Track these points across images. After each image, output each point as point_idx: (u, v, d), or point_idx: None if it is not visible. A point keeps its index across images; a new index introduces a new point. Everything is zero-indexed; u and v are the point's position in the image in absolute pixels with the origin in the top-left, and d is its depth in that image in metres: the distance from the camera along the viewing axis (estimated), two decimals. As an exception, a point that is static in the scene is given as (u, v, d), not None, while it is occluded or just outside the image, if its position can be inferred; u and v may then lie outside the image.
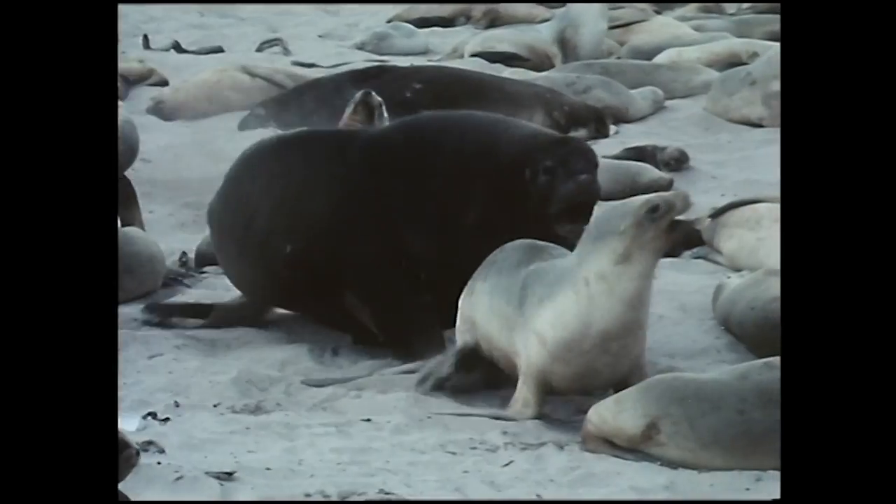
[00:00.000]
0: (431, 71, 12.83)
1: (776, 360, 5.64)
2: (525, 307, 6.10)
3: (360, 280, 6.93)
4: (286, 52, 15.89)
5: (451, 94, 12.00)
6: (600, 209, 6.41)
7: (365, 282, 6.93)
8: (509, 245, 6.35)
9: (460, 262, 6.55)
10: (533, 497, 5.36)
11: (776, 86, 12.10)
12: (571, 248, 6.18)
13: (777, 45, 12.87)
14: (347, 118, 9.00)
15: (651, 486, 5.44)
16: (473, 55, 14.96)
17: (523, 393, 6.14)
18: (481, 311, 6.31)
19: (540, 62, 14.67)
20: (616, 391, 5.96)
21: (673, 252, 9.00)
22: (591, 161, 6.80)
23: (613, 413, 5.79)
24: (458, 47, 15.87)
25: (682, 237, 6.08)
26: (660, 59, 14.54)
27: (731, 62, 13.71)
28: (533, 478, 5.58)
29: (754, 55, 13.74)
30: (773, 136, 11.77)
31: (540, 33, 15.23)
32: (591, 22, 14.91)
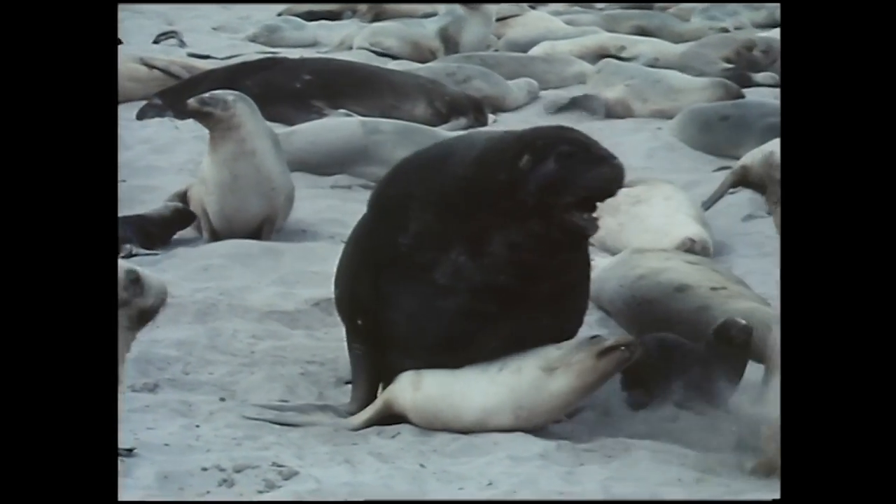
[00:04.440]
0: (320, 63, 12.80)
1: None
2: None
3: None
4: (182, 44, 15.75)
5: (339, 84, 12.00)
6: None
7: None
8: None
9: None
10: (417, 467, 5.39)
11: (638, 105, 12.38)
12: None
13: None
14: None
15: (527, 454, 5.48)
16: (361, 48, 14.96)
17: (368, 413, 5.89)
18: None
19: (423, 57, 14.70)
20: None
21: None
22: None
23: None
24: (344, 40, 15.83)
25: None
26: (535, 51, 14.65)
27: (601, 54, 13.84)
28: (418, 448, 5.60)
29: (622, 48, 13.91)
30: (641, 125, 11.94)
31: (425, 28, 15.25)
32: (476, 25, 14.97)
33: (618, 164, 5.56)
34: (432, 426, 5.76)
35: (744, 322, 6.12)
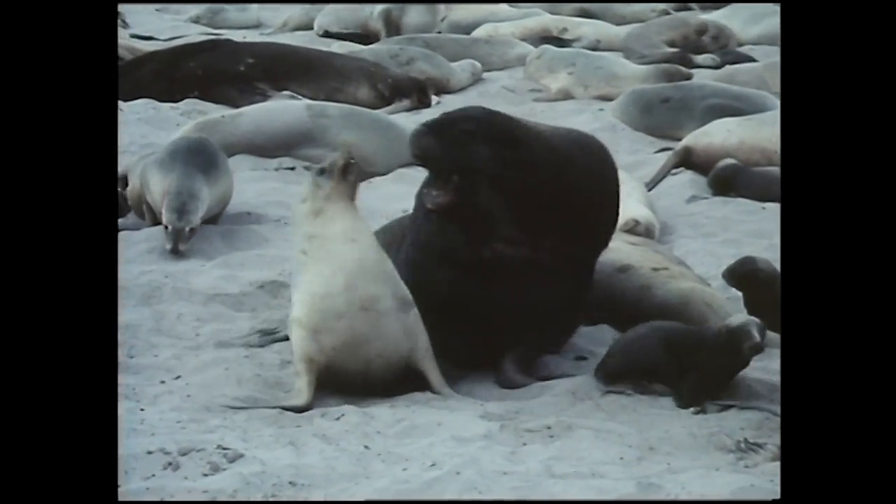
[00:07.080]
0: (263, 46, 12.78)
1: None
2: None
3: None
4: (124, 25, 15.65)
5: (282, 68, 11.98)
6: None
7: None
8: None
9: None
10: (361, 449, 5.41)
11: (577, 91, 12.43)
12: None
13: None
14: None
15: (471, 435, 5.51)
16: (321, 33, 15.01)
17: (296, 384, 5.98)
18: None
19: (370, 39, 14.75)
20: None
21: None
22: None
23: None
24: (288, 21, 15.80)
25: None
26: (477, 33, 14.69)
27: (543, 37, 13.87)
28: (362, 430, 5.62)
29: (564, 30, 13.93)
30: (583, 106, 12.00)
31: (374, 10, 15.29)
32: (420, 13, 15.02)
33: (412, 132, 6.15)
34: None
35: (757, 339, 5.82)
